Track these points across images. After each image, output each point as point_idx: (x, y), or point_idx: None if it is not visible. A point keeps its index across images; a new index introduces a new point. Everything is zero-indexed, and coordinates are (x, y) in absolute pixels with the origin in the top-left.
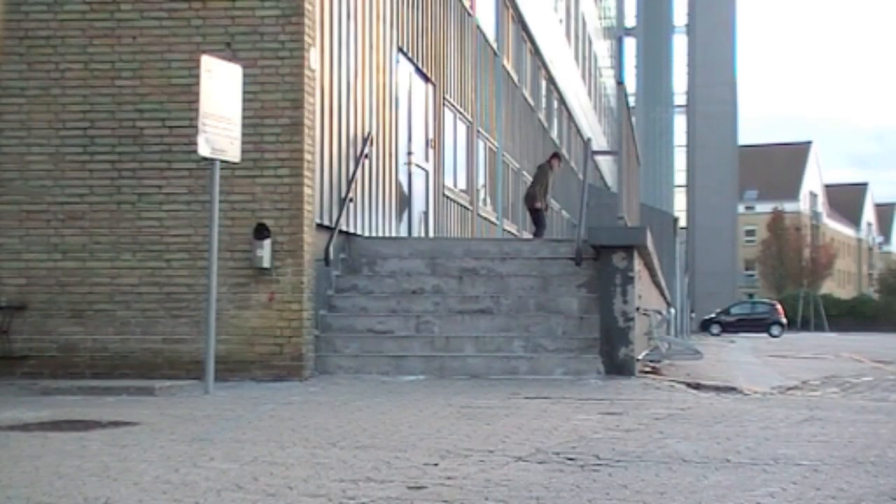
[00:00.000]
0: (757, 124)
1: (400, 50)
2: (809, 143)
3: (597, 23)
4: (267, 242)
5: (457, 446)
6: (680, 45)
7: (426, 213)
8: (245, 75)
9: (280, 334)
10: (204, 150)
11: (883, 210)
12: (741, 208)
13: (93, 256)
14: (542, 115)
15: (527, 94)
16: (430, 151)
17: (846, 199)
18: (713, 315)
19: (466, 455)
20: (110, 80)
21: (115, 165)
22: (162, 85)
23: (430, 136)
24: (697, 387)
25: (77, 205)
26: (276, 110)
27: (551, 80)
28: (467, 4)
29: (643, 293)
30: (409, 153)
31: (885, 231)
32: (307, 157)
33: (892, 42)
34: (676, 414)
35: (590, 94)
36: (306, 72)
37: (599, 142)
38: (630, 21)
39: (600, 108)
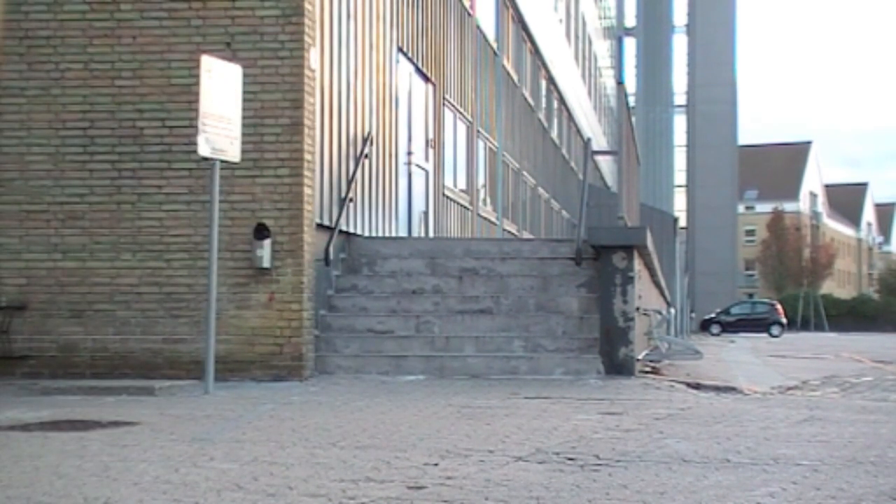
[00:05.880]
0: (757, 124)
1: (400, 50)
2: (809, 143)
3: (597, 23)
4: (267, 242)
5: (457, 446)
6: (680, 45)
7: (426, 213)
8: (245, 75)
9: (280, 334)
10: (204, 150)
11: (883, 210)
12: (741, 208)
13: (93, 256)
14: (542, 115)
15: (527, 94)
16: (430, 151)
17: (846, 199)
18: (713, 315)
19: (466, 455)
20: (110, 80)
21: (115, 165)
22: (162, 85)
23: (430, 136)
24: (697, 387)
25: (77, 205)
26: (276, 110)
27: (551, 80)
28: (467, 4)
29: (643, 293)
30: (409, 153)
31: (885, 231)
32: (307, 157)
33: (891, 43)
34: (676, 414)
35: (590, 94)
36: (306, 72)
37: (599, 142)
38: (630, 21)
39: (600, 108)
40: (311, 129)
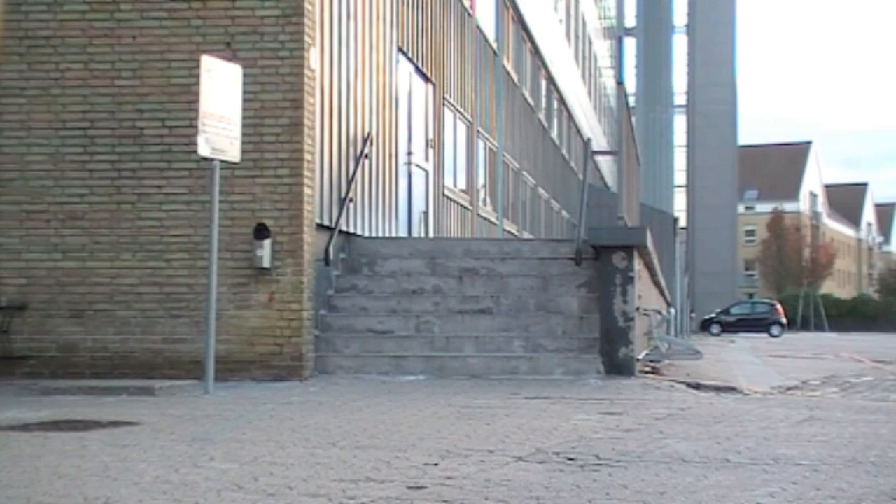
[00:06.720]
0: (757, 124)
1: (400, 50)
2: (809, 143)
3: (597, 23)
4: (267, 242)
5: (457, 446)
6: (680, 45)
7: (426, 213)
8: (245, 75)
9: (280, 334)
10: (204, 150)
11: (883, 210)
12: (741, 208)
13: (93, 256)
14: (542, 115)
15: (527, 94)
16: (430, 151)
17: (846, 199)
18: (713, 315)
19: (466, 455)
20: (110, 80)
21: (115, 165)
22: (162, 85)
23: (430, 136)
24: (697, 387)
25: (77, 205)
26: (276, 110)
27: (551, 80)
28: (467, 4)
29: (643, 293)
30: (409, 153)
31: (885, 231)
32: (307, 157)
33: (891, 43)
34: (676, 414)
35: (590, 94)
36: (306, 72)
37: (599, 142)
38: (630, 21)
39: (600, 108)
40: (311, 129)
